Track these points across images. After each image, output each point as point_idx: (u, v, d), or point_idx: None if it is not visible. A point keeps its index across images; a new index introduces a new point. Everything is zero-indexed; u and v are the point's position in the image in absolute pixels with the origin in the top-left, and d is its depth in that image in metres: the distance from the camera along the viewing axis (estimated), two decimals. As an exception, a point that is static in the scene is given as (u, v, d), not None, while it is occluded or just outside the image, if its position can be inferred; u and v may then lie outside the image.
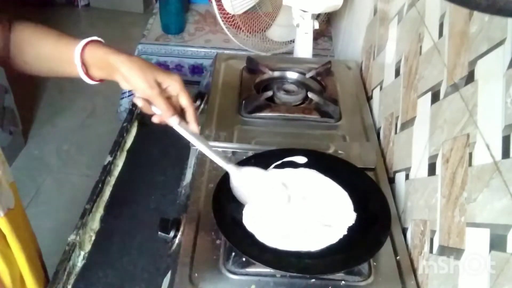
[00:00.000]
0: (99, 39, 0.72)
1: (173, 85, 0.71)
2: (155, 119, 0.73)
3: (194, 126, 0.73)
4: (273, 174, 0.79)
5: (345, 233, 0.70)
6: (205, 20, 1.80)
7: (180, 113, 0.73)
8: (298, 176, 0.80)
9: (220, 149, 0.90)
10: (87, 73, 0.71)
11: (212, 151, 0.74)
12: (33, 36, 0.73)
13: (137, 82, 0.68)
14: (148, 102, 0.70)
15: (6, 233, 0.74)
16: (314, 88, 1.11)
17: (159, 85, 0.69)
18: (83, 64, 0.70)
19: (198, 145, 0.74)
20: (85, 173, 2.13)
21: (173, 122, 0.72)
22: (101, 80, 0.73)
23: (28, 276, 0.79)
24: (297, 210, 0.74)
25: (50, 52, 0.73)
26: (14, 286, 0.77)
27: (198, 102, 1.06)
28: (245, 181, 0.75)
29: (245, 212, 0.73)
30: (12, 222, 0.74)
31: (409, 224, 0.79)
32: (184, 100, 0.72)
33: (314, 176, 0.80)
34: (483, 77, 0.60)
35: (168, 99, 0.71)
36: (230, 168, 0.75)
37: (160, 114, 0.71)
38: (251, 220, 0.71)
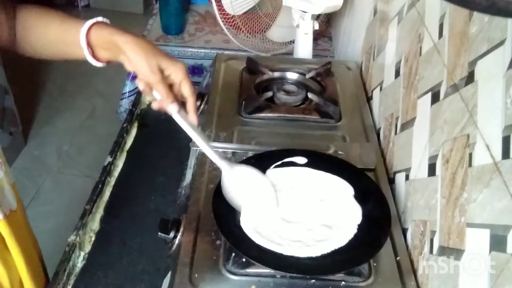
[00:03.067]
0: (105, 20, 0.70)
1: (176, 72, 0.69)
2: (154, 105, 0.71)
3: (193, 117, 0.71)
4: (269, 174, 0.78)
5: (355, 232, 0.70)
6: (205, 20, 1.80)
7: (181, 103, 0.71)
8: (299, 176, 0.80)
9: (220, 150, 0.90)
10: (93, 54, 0.70)
11: (208, 145, 0.73)
12: (38, 18, 0.73)
13: (140, 65, 0.67)
14: (150, 86, 0.69)
15: (6, 236, 0.73)
16: (314, 88, 1.11)
17: (161, 71, 0.68)
18: (89, 45, 0.69)
19: (194, 137, 0.72)
20: (85, 174, 2.14)
21: (172, 109, 0.70)
22: (108, 62, 0.72)
23: (27, 280, 0.79)
24: (298, 212, 0.74)
25: (55, 35, 0.72)
26: None
27: (198, 103, 1.06)
28: (237, 180, 0.73)
29: (243, 217, 0.72)
30: (12, 224, 0.74)
31: (409, 224, 0.79)
32: (186, 89, 0.70)
33: (315, 175, 0.80)
34: (483, 78, 0.60)
35: (170, 86, 0.70)
36: (223, 165, 0.73)
37: (160, 100, 0.70)
38: (249, 225, 0.71)
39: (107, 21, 0.71)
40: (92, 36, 0.69)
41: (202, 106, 1.06)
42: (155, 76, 0.67)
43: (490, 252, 0.53)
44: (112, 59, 0.71)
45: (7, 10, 0.71)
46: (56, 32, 0.72)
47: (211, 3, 1.44)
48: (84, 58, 0.70)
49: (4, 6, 0.70)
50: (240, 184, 0.74)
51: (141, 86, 0.69)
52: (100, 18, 0.70)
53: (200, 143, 0.72)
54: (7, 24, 0.71)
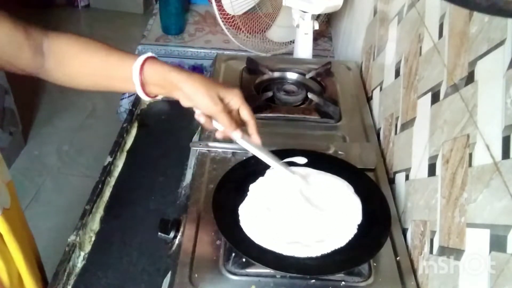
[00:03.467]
0: (153, 55, 0.71)
1: (234, 99, 0.71)
2: (218, 135, 0.74)
3: (256, 138, 0.74)
4: (269, 178, 0.79)
5: (355, 232, 0.70)
6: (205, 20, 1.80)
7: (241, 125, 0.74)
8: (299, 176, 0.80)
9: (220, 150, 0.90)
10: (143, 89, 0.71)
11: (277, 163, 0.76)
12: (78, 49, 0.71)
13: (201, 100, 0.68)
14: (210, 117, 0.71)
15: (3, 232, 0.73)
16: (314, 88, 1.11)
17: (221, 100, 0.70)
18: (141, 82, 0.69)
19: (261, 156, 0.75)
20: (85, 174, 2.14)
21: (236, 136, 0.73)
22: (156, 96, 0.73)
23: (26, 274, 0.79)
24: (298, 212, 0.74)
25: (100, 68, 0.71)
26: (11, 283, 0.77)
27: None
28: (313, 191, 0.76)
29: (242, 216, 0.72)
30: (8, 221, 0.74)
31: (409, 224, 0.79)
32: (246, 114, 0.73)
33: (314, 174, 0.80)
34: (483, 78, 0.60)
35: (229, 113, 0.71)
36: (297, 179, 0.76)
37: (223, 129, 0.72)
38: (249, 225, 0.71)
39: (155, 55, 0.71)
40: (145, 74, 0.69)
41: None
42: (217, 107, 0.69)
43: (490, 252, 0.53)
44: (164, 94, 0.72)
45: (31, 34, 0.69)
46: (101, 65, 0.71)
47: (211, 3, 1.44)
48: (132, 91, 0.71)
49: (26, 30, 0.68)
50: (318, 192, 0.76)
51: (202, 120, 0.72)
52: (149, 54, 0.70)
53: (269, 161, 0.76)
54: (30, 49, 0.68)
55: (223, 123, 0.70)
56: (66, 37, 0.72)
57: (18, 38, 0.67)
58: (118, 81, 0.71)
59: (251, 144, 0.74)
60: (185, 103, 0.70)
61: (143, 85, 0.70)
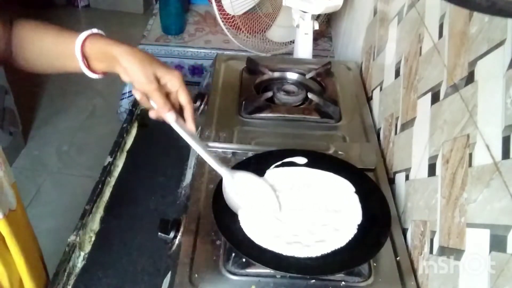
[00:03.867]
0: (100, 31, 0.71)
1: (173, 81, 0.69)
2: (152, 114, 0.71)
3: (191, 125, 0.72)
4: (268, 178, 0.78)
5: (355, 232, 0.70)
6: (205, 21, 1.80)
7: (179, 111, 0.72)
8: (299, 176, 0.80)
9: (220, 150, 0.90)
10: (88, 66, 0.70)
11: (206, 152, 0.73)
12: (33, 33, 0.73)
13: (136, 75, 0.67)
14: (147, 96, 0.70)
15: (5, 235, 0.73)
16: (314, 88, 1.11)
17: (158, 80, 0.68)
18: (84, 57, 0.69)
19: (193, 145, 0.72)
20: (85, 174, 2.13)
21: (170, 118, 0.70)
22: (103, 73, 0.72)
23: (27, 279, 0.79)
24: (298, 212, 0.74)
25: (51, 48, 0.72)
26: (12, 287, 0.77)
27: (198, 103, 1.06)
28: (238, 187, 0.74)
29: (241, 217, 0.72)
30: (12, 223, 0.74)
31: (409, 224, 0.79)
32: (183, 98, 0.71)
33: (315, 175, 0.80)
34: (483, 78, 0.60)
35: (168, 95, 0.70)
36: (223, 172, 0.74)
37: (157, 108, 0.70)
38: (249, 225, 0.71)
39: (102, 32, 0.71)
40: (87, 48, 0.69)
41: (202, 106, 1.06)
42: (151, 85, 0.67)
43: (490, 252, 0.53)
44: (107, 70, 0.71)
45: (3, 25, 0.70)
46: (51, 45, 0.72)
47: (211, 3, 1.44)
48: (80, 70, 0.71)
49: (2, 21, 0.70)
50: (241, 190, 0.74)
51: (138, 95, 0.70)
52: (95, 30, 0.70)
53: (199, 150, 0.73)
54: (4, 37, 0.70)
55: (157, 102, 0.69)
56: (25, 23, 0.73)
57: None
58: (67, 60, 0.70)
59: (184, 130, 0.71)
60: (123, 77, 0.69)
61: (86, 61, 0.70)
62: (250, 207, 0.73)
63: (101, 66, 0.71)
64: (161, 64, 0.70)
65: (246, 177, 0.75)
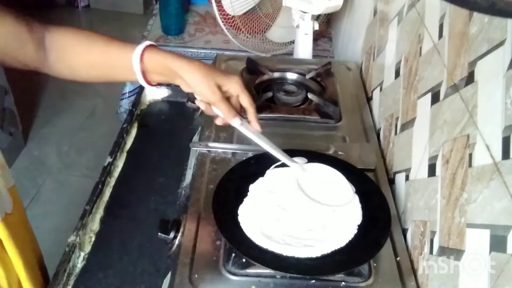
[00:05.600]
0: (153, 43, 0.71)
1: (234, 87, 0.72)
2: (218, 122, 0.74)
3: (256, 125, 0.75)
4: (269, 175, 0.79)
5: (355, 232, 0.70)
6: (205, 21, 1.80)
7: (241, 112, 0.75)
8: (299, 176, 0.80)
9: (220, 150, 0.90)
10: (145, 78, 0.71)
11: (275, 149, 0.76)
12: (79, 41, 0.72)
13: (200, 88, 0.69)
14: (210, 105, 0.72)
15: (3, 238, 0.73)
16: (314, 89, 1.11)
17: (219, 88, 0.70)
18: (142, 70, 0.70)
19: (261, 143, 0.75)
20: (85, 174, 2.14)
21: (236, 123, 0.73)
22: (158, 84, 0.74)
23: (26, 281, 0.78)
24: (298, 212, 0.74)
25: (101, 59, 0.72)
26: None
27: (198, 103, 1.06)
28: (311, 178, 0.76)
29: (241, 218, 0.72)
30: (9, 226, 0.73)
31: (409, 225, 0.79)
32: (245, 101, 0.73)
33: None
34: (483, 78, 0.60)
35: (228, 99, 0.72)
36: (295, 166, 0.76)
37: (223, 116, 0.73)
38: (249, 225, 0.71)
39: (155, 43, 0.72)
40: (145, 62, 0.69)
41: (202, 107, 1.06)
42: (215, 95, 0.70)
43: (490, 252, 0.53)
44: (165, 82, 0.73)
45: (33, 29, 0.69)
46: (102, 56, 0.72)
47: (211, 3, 1.44)
48: (134, 80, 0.72)
49: (29, 25, 0.68)
50: (315, 181, 0.76)
51: (202, 106, 0.72)
52: (148, 42, 0.71)
53: (268, 148, 0.76)
54: (33, 44, 0.69)
55: (222, 110, 0.71)
56: (66, 30, 0.73)
57: (22, 33, 0.68)
58: (119, 71, 0.72)
59: (250, 131, 0.75)
60: (185, 89, 0.71)
61: (144, 74, 0.70)
62: (326, 199, 0.74)
63: (158, 78, 0.72)
64: (221, 72, 0.72)
65: (319, 168, 0.78)
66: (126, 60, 0.69)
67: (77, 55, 0.72)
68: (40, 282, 0.85)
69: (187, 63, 0.69)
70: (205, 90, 0.69)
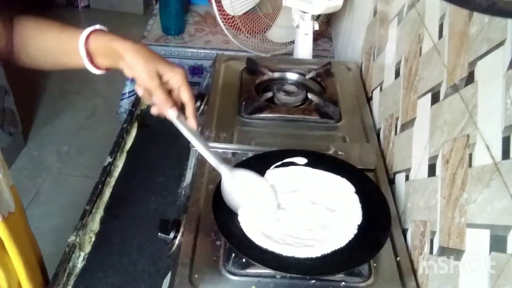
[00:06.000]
0: (103, 27, 0.71)
1: (175, 78, 0.69)
2: (153, 110, 0.71)
3: (192, 122, 0.72)
4: (268, 177, 0.78)
5: (355, 232, 0.70)
6: (205, 21, 1.80)
7: (181, 108, 0.72)
8: (299, 176, 0.80)
9: (220, 150, 0.90)
10: (92, 62, 0.70)
11: (207, 150, 0.73)
12: (35, 30, 0.73)
13: (138, 71, 0.67)
14: (149, 92, 0.70)
15: (4, 238, 0.73)
16: (314, 89, 1.11)
17: (160, 76, 0.68)
18: (88, 53, 0.69)
19: (194, 142, 0.72)
20: (85, 174, 2.14)
21: (171, 114, 0.70)
22: (107, 69, 0.72)
23: (26, 282, 0.78)
24: (298, 212, 0.74)
25: (53, 44, 0.72)
26: None
27: (198, 103, 1.06)
28: (237, 185, 0.73)
29: (241, 218, 0.72)
30: (11, 226, 0.73)
31: (409, 225, 0.79)
32: (185, 95, 0.71)
33: (315, 175, 0.80)
34: (483, 78, 0.60)
35: (170, 92, 0.70)
36: (223, 169, 0.73)
37: (158, 105, 0.70)
38: (249, 226, 0.71)
39: (105, 28, 0.71)
40: (91, 44, 0.69)
41: (202, 107, 1.06)
42: (153, 81, 0.67)
43: (490, 252, 0.53)
44: (111, 66, 0.71)
45: (4, 21, 0.70)
46: (54, 42, 0.72)
47: (211, 3, 1.44)
48: (84, 66, 0.70)
49: (1, 17, 0.70)
50: (240, 188, 0.73)
51: (140, 91, 0.70)
52: (98, 26, 0.70)
53: (200, 147, 0.72)
54: (4, 35, 0.70)
55: (158, 98, 0.69)
56: (28, 20, 0.73)
57: None
58: (71, 57, 0.71)
59: (185, 127, 0.71)
60: (127, 72, 0.69)
61: (90, 57, 0.70)
62: (249, 206, 0.73)
63: (104, 62, 0.71)
64: (164, 61, 0.70)
65: (245, 175, 0.75)
66: (74, 44, 0.68)
67: (33, 43, 0.73)
68: (40, 282, 0.85)
69: (131, 44, 0.67)
70: (143, 73, 0.67)
